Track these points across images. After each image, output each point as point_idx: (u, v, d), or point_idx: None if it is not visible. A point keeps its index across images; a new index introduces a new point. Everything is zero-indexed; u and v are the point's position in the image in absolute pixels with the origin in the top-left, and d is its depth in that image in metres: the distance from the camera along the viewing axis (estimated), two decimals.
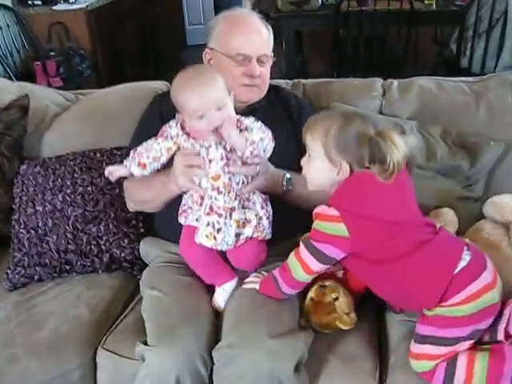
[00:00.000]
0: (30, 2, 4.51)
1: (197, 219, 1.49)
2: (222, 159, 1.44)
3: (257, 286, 1.49)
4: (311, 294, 1.50)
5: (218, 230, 1.44)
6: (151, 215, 1.80)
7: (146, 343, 1.40)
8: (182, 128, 1.49)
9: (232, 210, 1.46)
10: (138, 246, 1.80)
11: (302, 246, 1.37)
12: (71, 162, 1.92)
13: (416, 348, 1.34)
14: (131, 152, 1.53)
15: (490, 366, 1.27)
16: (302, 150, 1.39)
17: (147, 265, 1.76)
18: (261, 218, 1.49)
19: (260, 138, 1.43)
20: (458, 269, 1.28)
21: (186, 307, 1.46)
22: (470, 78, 2.08)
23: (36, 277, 1.79)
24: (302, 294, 1.50)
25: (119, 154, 1.93)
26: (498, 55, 3.69)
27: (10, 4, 4.39)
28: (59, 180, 1.88)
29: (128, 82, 2.26)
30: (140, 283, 1.68)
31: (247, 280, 1.53)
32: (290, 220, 1.55)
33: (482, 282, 1.28)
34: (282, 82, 2.06)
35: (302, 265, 1.37)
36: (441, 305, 1.29)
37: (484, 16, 3.68)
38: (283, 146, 1.53)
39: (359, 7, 3.81)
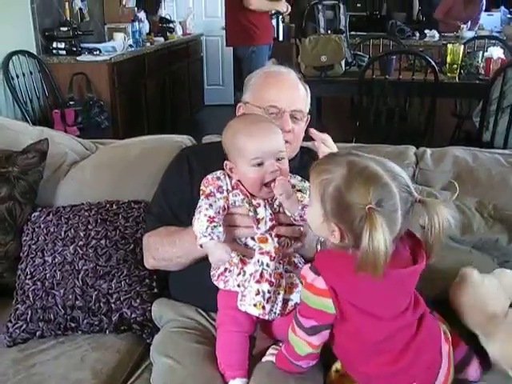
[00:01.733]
0: (54, 51, 4.55)
1: (238, 285, 1.37)
2: (271, 220, 1.35)
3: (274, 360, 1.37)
4: (337, 365, 1.39)
5: (268, 299, 1.33)
6: (166, 275, 1.69)
7: None
8: (230, 181, 1.39)
9: (281, 276, 1.35)
10: (150, 307, 1.67)
11: (294, 322, 1.27)
12: (86, 213, 1.83)
13: None
14: (205, 221, 1.31)
15: None
16: None
17: (158, 328, 1.63)
18: None
19: None
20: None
21: (203, 381, 1.33)
22: (506, 151, 2.02)
23: (38, 333, 1.66)
24: (326, 365, 1.40)
25: (136, 208, 1.85)
26: None
27: (34, 52, 4.43)
28: (72, 231, 1.78)
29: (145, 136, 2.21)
30: (151, 349, 1.54)
31: (268, 352, 1.41)
32: None
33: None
34: (309, 144, 1.98)
35: (302, 340, 1.26)
36: None
37: (508, 91, 3.66)
38: None
39: (383, 76, 3.80)
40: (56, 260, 1.74)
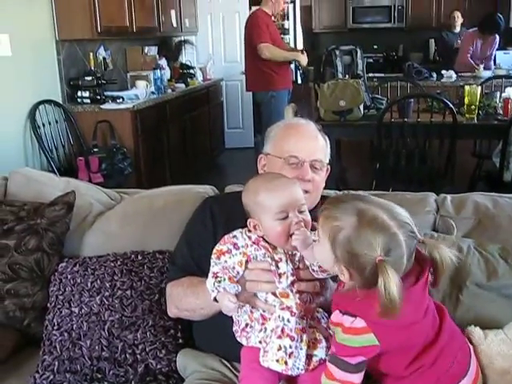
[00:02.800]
0: (79, 100, 4.68)
1: (260, 341, 1.38)
2: (292, 275, 1.36)
3: None
4: None
5: (290, 355, 1.34)
6: (191, 324, 1.71)
7: None
8: (249, 237, 1.42)
9: (303, 331, 1.36)
10: (175, 357, 1.68)
11: (332, 366, 1.27)
12: (112, 264, 1.86)
13: None
14: (210, 278, 1.38)
15: None
16: None
17: (183, 379, 1.65)
18: (329, 336, 1.39)
19: None
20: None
21: None
22: None
23: None
24: None
25: (161, 258, 1.88)
26: None
27: (60, 101, 4.56)
28: (98, 281, 1.82)
29: (166, 181, 2.25)
30: None
31: None
32: None
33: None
34: (331, 193, 2.01)
35: (342, 382, 1.26)
36: None
37: None
38: None
39: (401, 119, 3.84)
40: (83, 311, 1.77)
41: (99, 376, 1.69)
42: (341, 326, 1.26)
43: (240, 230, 1.44)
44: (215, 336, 1.60)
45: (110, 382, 1.69)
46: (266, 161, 1.74)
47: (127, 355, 1.69)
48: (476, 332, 1.54)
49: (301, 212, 1.39)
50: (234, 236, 1.43)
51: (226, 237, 1.44)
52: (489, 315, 1.63)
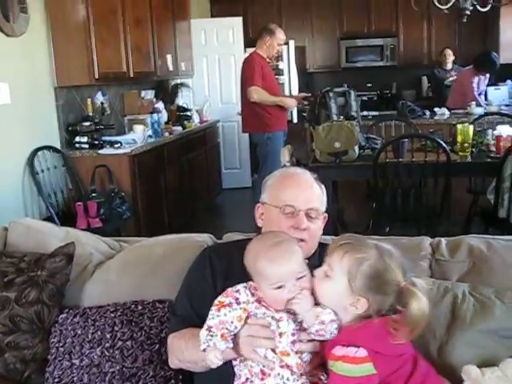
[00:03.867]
0: (77, 146, 4.73)
1: None
2: (293, 335, 1.38)
3: None
4: None
5: None
6: (192, 375, 1.71)
7: None
8: (253, 294, 1.44)
9: None
10: None
11: None
12: (112, 314, 1.88)
13: None
14: (204, 330, 1.41)
15: None
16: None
17: None
18: None
19: (330, 320, 1.37)
20: None
21: None
22: None
23: None
24: None
25: (161, 308, 1.89)
26: None
27: (58, 146, 4.61)
28: (99, 332, 1.83)
29: (165, 224, 2.28)
30: None
31: None
32: None
33: None
34: (328, 239, 2.03)
35: None
36: None
37: None
38: None
39: (396, 159, 3.89)
40: (83, 362, 1.78)
41: None
42: (344, 358, 1.30)
43: (244, 284, 1.46)
44: None
45: None
46: (263, 209, 1.77)
47: None
48: (473, 370, 1.57)
49: (300, 278, 1.40)
50: (238, 291, 1.45)
51: (229, 290, 1.46)
52: (486, 356, 1.64)
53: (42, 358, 1.89)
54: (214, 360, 1.37)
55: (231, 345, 1.40)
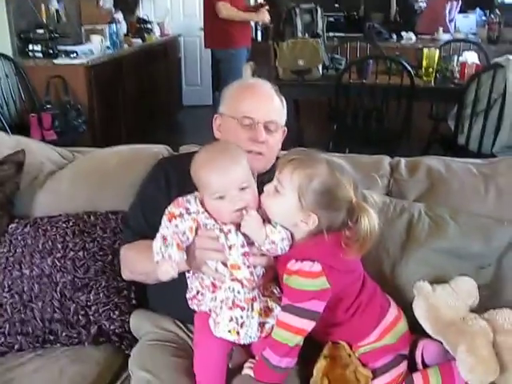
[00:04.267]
0: (30, 54, 4.51)
1: (210, 310, 1.38)
2: (242, 246, 1.34)
3: (252, 374, 1.40)
4: (324, 352, 1.44)
5: (242, 324, 1.34)
6: (145, 286, 1.70)
7: None
8: (202, 204, 1.39)
9: (253, 300, 1.36)
10: (128, 318, 1.68)
11: (287, 315, 1.33)
12: (63, 224, 1.83)
13: None
14: (159, 239, 1.35)
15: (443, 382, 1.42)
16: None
17: (137, 340, 1.65)
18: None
19: (281, 239, 1.34)
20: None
21: None
22: (479, 160, 2.04)
23: (16, 346, 1.67)
24: (304, 373, 1.46)
25: (114, 219, 1.85)
26: (495, 135, 3.70)
27: (10, 54, 4.39)
28: (49, 243, 1.78)
29: (122, 139, 2.21)
30: (129, 362, 1.55)
31: (246, 365, 1.43)
32: None
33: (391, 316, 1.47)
34: None
35: (294, 331, 1.32)
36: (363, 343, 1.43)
37: (482, 95, 3.71)
38: None
39: (360, 80, 3.83)
40: (34, 273, 1.74)
41: (51, 338, 1.67)
42: (299, 273, 1.31)
43: (195, 194, 1.41)
44: (169, 298, 1.58)
45: (63, 344, 1.68)
46: (220, 121, 1.71)
47: (80, 317, 1.68)
48: (425, 286, 1.61)
49: (242, 189, 1.35)
50: (188, 200, 1.40)
51: (179, 199, 1.41)
52: (437, 274, 1.67)
53: None
54: (170, 271, 1.31)
55: (185, 257, 1.36)
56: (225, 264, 1.36)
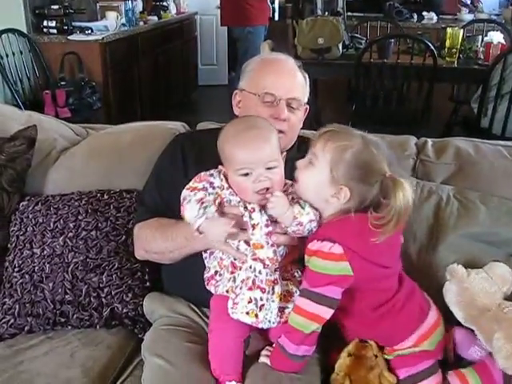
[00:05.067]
0: (45, 30, 4.45)
1: (227, 291, 1.32)
2: (266, 226, 1.27)
3: (269, 362, 1.34)
4: (349, 349, 1.37)
5: (261, 307, 1.28)
6: (159, 268, 1.64)
7: None
8: (226, 179, 1.32)
9: (275, 282, 1.29)
10: (142, 301, 1.62)
11: (304, 300, 1.27)
12: (76, 203, 1.77)
13: None
14: (195, 204, 1.27)
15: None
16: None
17: (150, 323, 1.59)
18: None
19: (309, 220, 1.27)
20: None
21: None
22: (509, 143, 1.95)
23: (26, 328, 1.61)
24: (324, 364, 1.40)
25: (128, 197, 1.79)
26: None
27: (24, 30, 4.32)
28: (61, 221, 1.72)
29: (137, 117, 2.14)
30: (142, 347, 1.49)
31: (263, 353, 1.37)
32: None
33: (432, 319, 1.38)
34: (308, 133, 1.92)
35: (310, 317, 1.26)
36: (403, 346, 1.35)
37: (508, 77, 3.59)
38: None
39: (381, 59, 3.73)
40: (45, 252, 1.68)
41: (62, 320, 1.62)
42: (318, 253, 1.24)
43: (218, 169, 1.35)
44: (184, 280, 1.53)
45: (74, 327, 1.63)
46: (240, 97, 1.64)
47: (92, 299, 1.62)
48: (459, 269, 1.54)
49: (269, 168, 1.28)
50: (211, 174, 1.33)
51: (202, 174, 1.34)
52: (467, 261, 1.59)
53: (2, 247, 1.78)
54: (227, 227, 1.22)
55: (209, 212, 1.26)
56: (247, 243, 1.29)
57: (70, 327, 1.62)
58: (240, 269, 1.31)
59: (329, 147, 1.26)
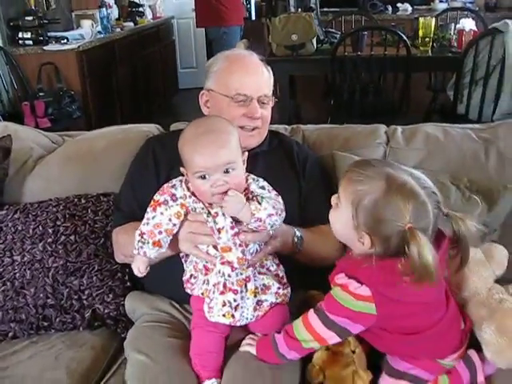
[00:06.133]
0: (20, 42, 4.44)
1: (202, 293, 1.35)
2: (232, 228, 1.29)
3: (252, 350, 1.35)
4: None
5: (236, 307, 1.30)
6: None
7: None
8: (188, 188, 1.33)
9: (246, 280, 1.31)
10: (123, 301, 1.64)
11: (316, 319, 1.24)
12: (54, 209, 1.79)
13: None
14: (137, 235, 1.33)
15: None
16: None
17: (133, 322, 1.61)
18: (279, 281, 1.37)
19: (268, 215, 1.28)
20: None
21: (177, 378, 1.31)
22: (477, 125, 1.99)
23: (10, 334, 1.63)
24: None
25: (105, 201, 1.81)
26: (495, 102, 3.63)
27: (0, 43, 4.32)
28: (40, 228, 1.74)
29: (118, 124, 2.16)
30: (125, 344, 1.51)
31: (245, 341, 1.39)
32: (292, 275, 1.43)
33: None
34: (280, 128, 1.95)
35: (314, 336, 1.24)
36: None
37: (481, 63, 3.63)
38: (285, 197, 1.37)
39: (355, 52, 3.76)
40: (25, 259, 1.70)
41: (45, 324, 1.64)
42: (344, 287, 1.20)
43: (180, 178, 1.37)
44: (164, 278, 1.55)
45: (57, 330, 1.65)
46: (208, 97, 1.67)
47: (73, 301, 1.64)
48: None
49: (228, 172, 1.28)
50: (173, 186, 1.35)
51: (165, 186, 1.37)
52: None
53: None
54: (135, 270, 1.36)
55: (163, 249, 1.34)
56: (215, 247, 1.32)
57: (53, 331, 1.64)
58: (212, 270, 1.34)
59: (350, 191, 1.20)
